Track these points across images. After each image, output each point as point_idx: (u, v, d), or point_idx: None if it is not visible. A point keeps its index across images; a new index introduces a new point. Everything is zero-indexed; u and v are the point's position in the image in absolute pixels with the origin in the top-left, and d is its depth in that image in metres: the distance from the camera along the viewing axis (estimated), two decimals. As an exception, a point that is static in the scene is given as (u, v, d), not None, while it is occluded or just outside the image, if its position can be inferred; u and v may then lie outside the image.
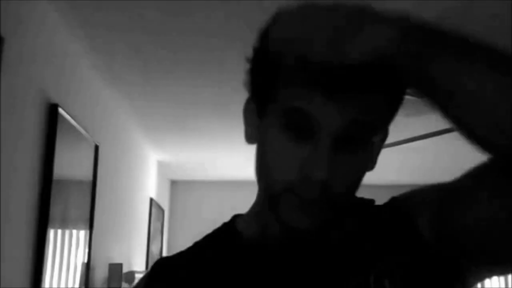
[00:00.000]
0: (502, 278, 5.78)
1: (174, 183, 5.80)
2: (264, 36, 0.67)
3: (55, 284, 2.27)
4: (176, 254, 0.81)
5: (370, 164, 0.73)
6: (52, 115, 2.23)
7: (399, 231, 0.71)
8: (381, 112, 0.67)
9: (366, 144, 0.68)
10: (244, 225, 0.79)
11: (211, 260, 0.77)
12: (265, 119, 0.70)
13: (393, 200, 0.76)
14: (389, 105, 0.68)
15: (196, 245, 0.81)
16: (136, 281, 3.31)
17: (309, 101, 0.64)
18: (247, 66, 0.72)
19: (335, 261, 0.71)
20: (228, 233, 0.79)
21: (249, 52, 0.71)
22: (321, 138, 0.64)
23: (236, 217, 0.82)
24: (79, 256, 2.62)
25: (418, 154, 4.50)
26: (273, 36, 0.64)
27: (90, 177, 2.79)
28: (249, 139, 0.75)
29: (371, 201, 0.79)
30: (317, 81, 0.63)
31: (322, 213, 0.67)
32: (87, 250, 2.71)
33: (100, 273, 3.03)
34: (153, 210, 4.59)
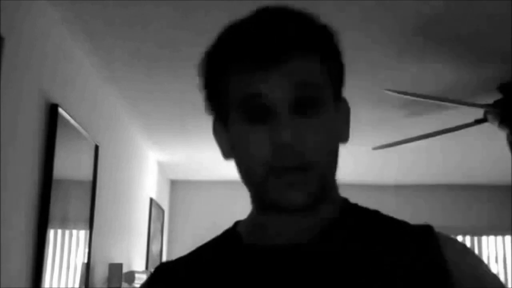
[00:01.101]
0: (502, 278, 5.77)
1: (174, 183, 5.80)
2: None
3: (55, 284, 2.27)
4: (177, 259, 0.81)
5: (342, 134, 0.76)
6: (52, 115, 2.23)
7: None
8: (319, 73, 0.71)
9: (322, 107, 0.71)
10: (245, 230, 0.79)
11: (211, 265, 0.77)
12: (230, 126, 0.74)
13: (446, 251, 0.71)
14: (325, 66, 0.72)
15: (197, 250, 0.82)
16: (136, 281, 3.31)
17: (252, 82, 0.69)
18: (201, 94, 0.78)
19: (339, 274, 0.70)
20: (229, 238, 0.80)
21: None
22: (277, 110, 0.68)
23: (237, 223, 0.82)
24: (79, 256, 2.62)
25: (418, 154, 4.50)
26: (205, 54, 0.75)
27: (90, 177, 2.79)
28: (226, 155, 0.79)
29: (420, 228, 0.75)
30: (251, 59, 0.69)
31: (309, 184, 0.69)
32: (87, 250, 2.71)
33: (100, 273, 3.03)
34: (153, 210, 4.58)
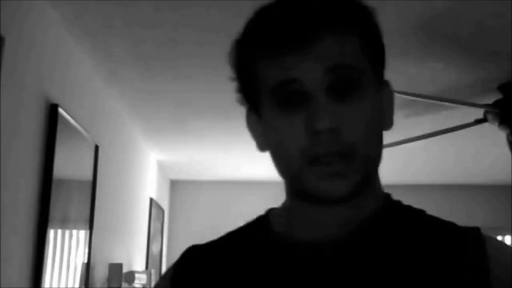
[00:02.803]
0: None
1: (174, 183, 5.80)
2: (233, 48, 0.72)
3: (55, 284, 2.27)
4: (208, 243, 0.78)
5: (384, 120, 0.72)
6: (52, 115, 2.23)
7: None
8: (356, 54, 0.67)
9: (361, 90, 0.66)
10: (279, 220, 0.75)
11: (244, 255, 0.73)
12: (263, 116, 0.71)
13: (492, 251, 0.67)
14: (363, 47, 0.68)
15: (228, 236, 0.78)
16: (136, 281, 3.31)
17: (285, 67, 0.65)
18: (234, 84, 0.74)
19: (377, 276, 0.66)
20: (263, 227, 0.76)
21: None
22: (313, 95, 0.64)
23: (270, 211, 0.79)
24: (79, 256, 2.62)
25: (418, 154, 4.50)
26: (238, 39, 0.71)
27: (90, 177, 2.79)
28: (260, 147, 0.74)
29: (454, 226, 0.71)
30: (282, 43, 0.65)
31: (350, 172, 0.65)
32: (87, 250, 2.71)
33: (100, 273, 3.03)
34: (153, 210, 4.58)
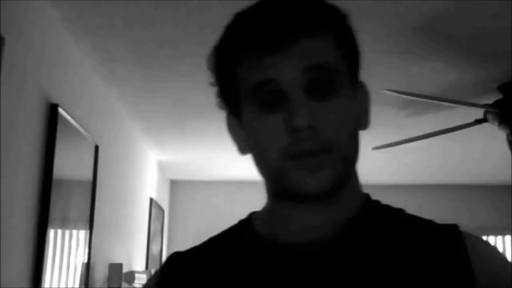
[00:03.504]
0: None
1: (174, 183, 5.80)
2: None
3: (55, 284, 2.27)
4: (190, 249, 0.78)
5: (361, 120, 0.73)
6: (52, 115, 2.23)
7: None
8: (332, 54, 0.68)
9: (338, 89, 0.68)
10: (262, 223, 0.75)
11: (228, 259, 0.73)
12: (243, 118, 0.72)
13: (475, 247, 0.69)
14: (339, 47, 0.69)
15: (211, 241, 0.78)
16: (136, 281, 3.31)
17: (263, 68, 0.66)
18: (214, 89, 0.75)
19: (364, 277, 0.67)
20: (243, 230, 0.76)
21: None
22: (290, 95, 0.66)
23: (252, 214, 0.79)
24: (79, 256, 2.62)
25: (418, 154, 4.50)
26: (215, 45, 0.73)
27: (90, 177, 2.79)
28: (241, 150, 0.76)
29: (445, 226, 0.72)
30: (260, 44, 0.66)
31: (329, 168, 0.66)
32: (87, 250, 2.71)
33: (100, 273, 3.03)
34: (153, 210, 4.58)
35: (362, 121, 0.73)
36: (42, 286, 2.11)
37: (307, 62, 0.66)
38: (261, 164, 0.70)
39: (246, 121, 0.71)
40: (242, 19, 0.71)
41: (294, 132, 0.65)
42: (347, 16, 0.72)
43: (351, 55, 0.72)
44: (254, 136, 0.69)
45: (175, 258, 0.77)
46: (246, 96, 0.69)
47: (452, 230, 0.71)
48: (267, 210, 0.76)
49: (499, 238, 5.76)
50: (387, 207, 0.75)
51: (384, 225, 0.72)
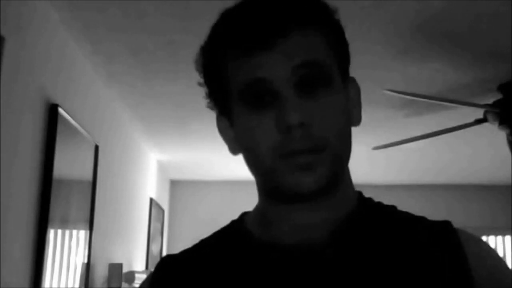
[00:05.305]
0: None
1: (174, 183, 5.80)
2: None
3: (55, 284, 2.27)
4: (182, 252, 0.77)
5: (353, 116, 0.72)
6: (52, 115, 2.23)
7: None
8: (322, 51, 0.67)
9: (329, 86, 0.67)
10: (254, 223, 0.74)
11: (218, 259, 0.72)
12: (234, 117, 0.71)
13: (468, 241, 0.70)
14: (328, 44, 0.69)
15: (202, 242, 0.77)
16: (136, 281, 3.31)
17: (253, 67, 0.65)
18: (203, 90, 0.75)
19: (359, 276, 0.66)
20: (236, 231, 0.75)
21: None
22: (282, 93, 0.65)
23: (244, 215, 0.78)
24: (79, 256, 2.62)
25: (418, 154, 4.50)
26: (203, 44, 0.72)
27: (90, 177, 2.79)
28: (233, 150, 0.75)
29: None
30: (249, 42, 0.65)
31: (321, 166, 0.65)
32: (87, 250, 2.71)
33: (100, 273, 3.03)
34: (153, 210, 4.59)
35: (354, 118, 0.72)
36: (42, 286, 2.11)
37: (297, 59, 0.65)
38: (253, 163, 0.69)
39: (237, 120, 0.70)
40: (229, 17, 0.70)
41: (286, 131, 0.64)
42: (336, 12, 0.71)
43: (340, 51, 0.71)
44: (245, 135, 0.68)
45: (167, 261, 0.76)
46: (236, 95, 0.68)
47: (446, 227, 0.70)
48: (259, 209, 0.75)
49: (499, 238, 5.76)
50: (380, 205, 0.75)
51: (379, 223, 0.71)
